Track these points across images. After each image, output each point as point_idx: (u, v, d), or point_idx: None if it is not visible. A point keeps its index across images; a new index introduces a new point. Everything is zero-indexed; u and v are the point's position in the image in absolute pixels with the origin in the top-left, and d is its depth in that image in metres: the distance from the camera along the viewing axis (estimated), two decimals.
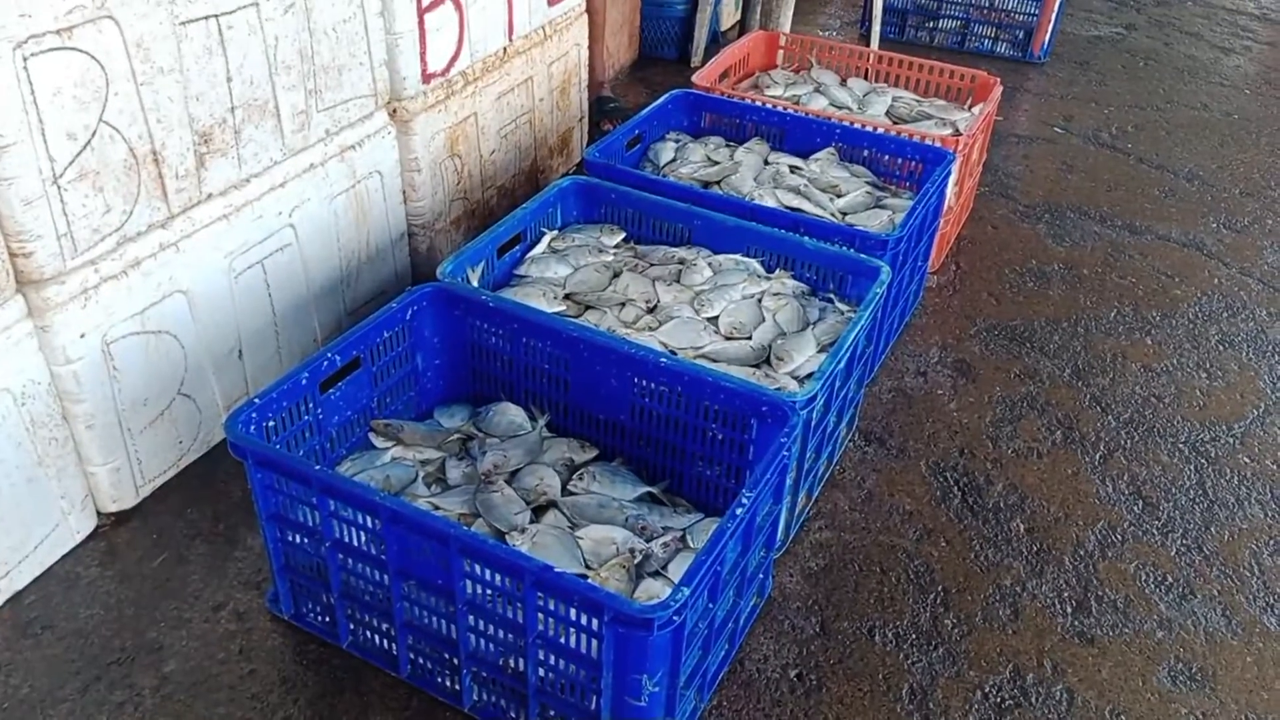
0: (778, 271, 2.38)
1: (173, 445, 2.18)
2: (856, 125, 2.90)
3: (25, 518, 1.93)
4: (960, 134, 3.02)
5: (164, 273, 2.03)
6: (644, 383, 1.96)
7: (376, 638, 1.80)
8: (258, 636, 1.89)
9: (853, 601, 2.03)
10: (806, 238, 2.35)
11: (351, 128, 2.45)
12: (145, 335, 2.04)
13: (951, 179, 2.90)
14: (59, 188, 1.80)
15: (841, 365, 2.01)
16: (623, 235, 2.54)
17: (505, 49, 2.93)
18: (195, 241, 2.08)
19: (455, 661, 1.69)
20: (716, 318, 2.24)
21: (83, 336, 1.91)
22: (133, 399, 2.04)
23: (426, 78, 2.63)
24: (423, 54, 2.59)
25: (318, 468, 1.64)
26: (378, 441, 2.06)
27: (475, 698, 1.74)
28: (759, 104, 2.98)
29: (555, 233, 2.50)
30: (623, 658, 1.50)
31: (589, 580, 1.75)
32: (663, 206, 2.48)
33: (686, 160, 2.87)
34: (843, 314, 2.30)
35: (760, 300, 2.30)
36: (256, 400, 1.77)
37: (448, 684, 1.76)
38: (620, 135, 2.79)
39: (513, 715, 1.71)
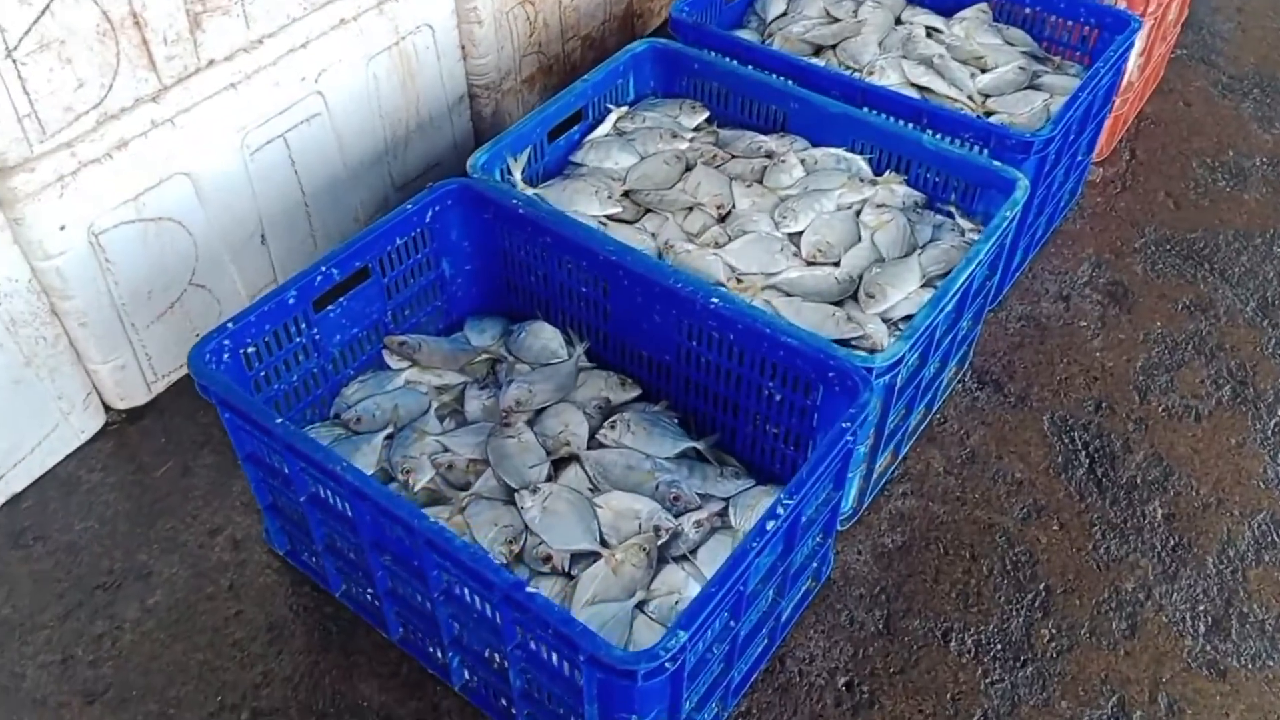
0: (887, 174, 1.93)
1: (188, 338, 1.97)
2: None
3: (16, 419, 1.78)
4: None
5: (159, 153, 1.77)
6: (691, 324, 1.61)
7: (367, 594, 1.60)
8: (250, 571, 1.72)
9: (929, 594, 1.70)
10: (927, 133, 1.88)
11: None
12: (142, 224, 1.80)
13: (1135, 50, 2.31)
14: (14, 62, 1.53)
15: (946, 311, 1.60)
16: (705, 115, 2.12)
17: None
18: (196, 116, 1.80)
19: (443, 640, 1.47)
20: (800, 234, 1.84)
21: (63, 229, 1.68)
22: (133, 292, 1.84)
23: None
24: None
25: (279, 421, 1.39)
26: (392, 361, 1.81)
27: (465, 678, 1.53)
28: None
29: (624, 110, 2.10)
30: (607, 697, 1.23)
31: (601, 557, 1.48)
32: (753, 82, 2.03)
33: (800, 16, 2.37)
34: (963, 235, 1.85)
35: (859, 213, 1.87)
36: (230, 324, 1.52)
37: (438, 656, 1.55)
38: None
39: (504, 704, 1.50)
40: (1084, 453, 1.91)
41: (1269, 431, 1.95)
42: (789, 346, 1.50)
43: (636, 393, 1.76)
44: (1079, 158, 2.24)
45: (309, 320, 1.64)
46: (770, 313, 1.54)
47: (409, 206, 1.73)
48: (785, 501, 1.28)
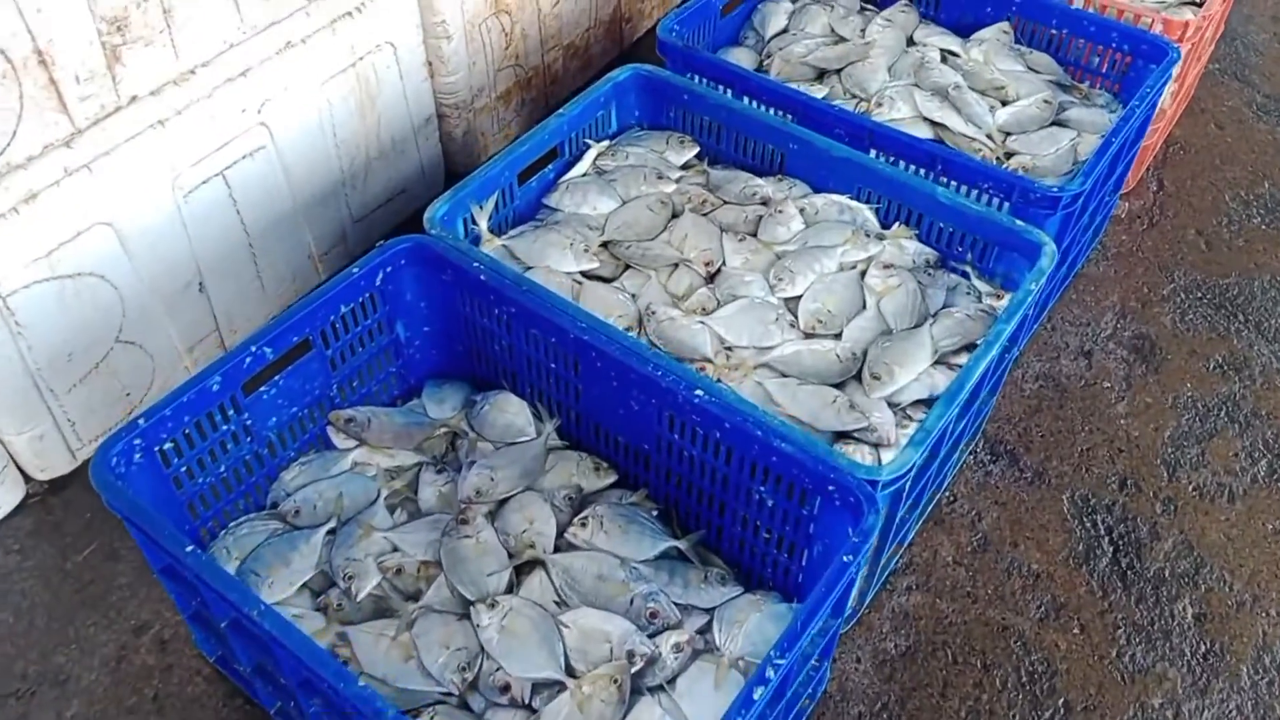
0: (896, 227, 1.73)
1: (117, 399, 1.78)
2: None
3: None
4: (1198, 6, 2.17)
5: (74, 203, 1.56)
6: (672, 415, 1.42)
7: None
8: (177, 679, 1.54)
9: (936, 711, 1.52)
10: (941, 186, 1.67)
11: None
12: (58, 281, 1.60)
13: (1171, 80, 2.10)
14: None
15: (960, 407, 1.41)
16: (695, 150, 1.91)
17: None
18: (117, 160, 1.59)
19: None
20: (797, 299, 1.64)
21: None
22: (50, 356, 1.64)
23: None
24: None
25: (189, 550, 1.19)
26: (337, 440, 1.61)
27: None
28: None
29: (604, 145, 1.89)
30: None
31: (567, 689, 1.30)
32: (748, 119, 1.82)
33: (803, 33, 2.15)
34: (980, 300, 1.66)
35: (864, 273, 1.67)
36: (141, 421, 1.32)
37: None
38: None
39: None
40: (1107, 539, 1.72)
41: None
42: (783, 453, 1.31)
43: (612, 479, 1.57)
44: (1107, 198, 2.04)
45: (238, 405, 1.44)
46: (762, 409, 1.35)
47: (355, 270, 1.52)
48: (776, 662, 1.10)
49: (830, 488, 1.28)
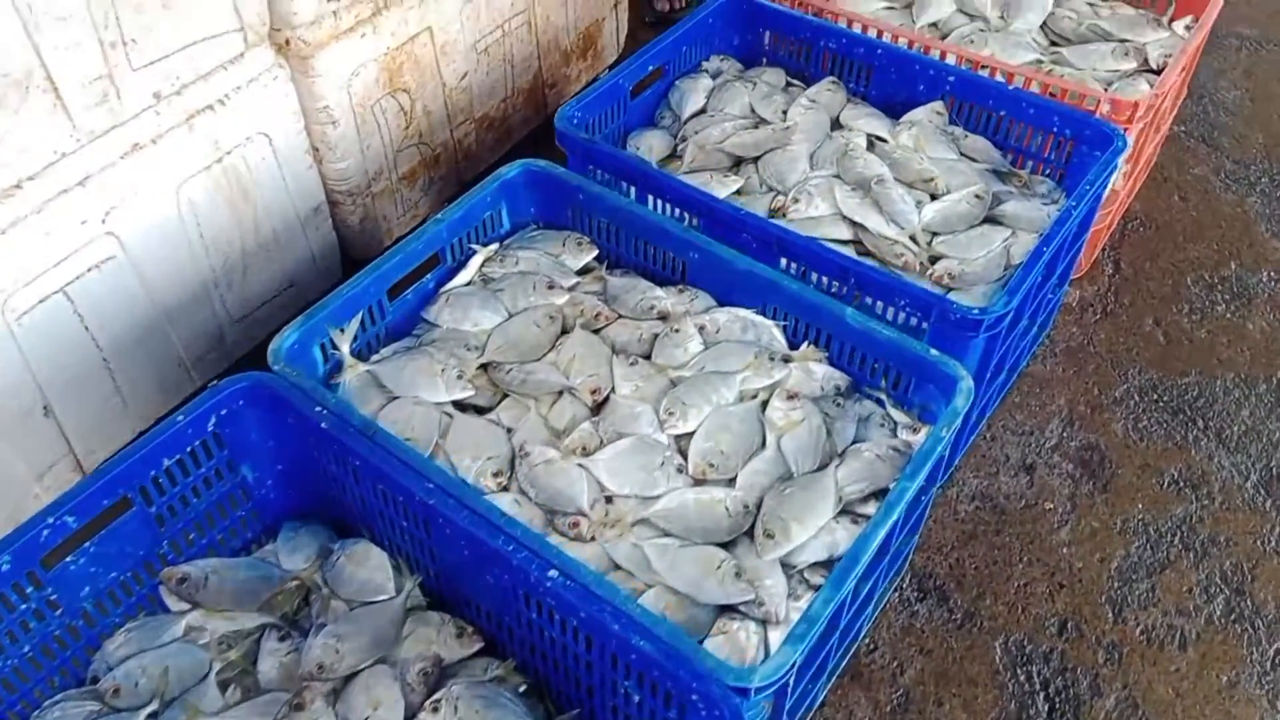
0: (805, 349, 1.56)
1: None
2: (980, 70, 1.93)
3: None
4: (1156, 73, 2.01)
5: None
6: (528, 594, 1.25)
7: None
8: None
9: None
10: (851, 308, 1.50)
11: (204, 81, 1.69)
12: None
13: (1121, 165, 1.93)
14: None
15: (856, 578, 1.24)
16: (594, 253, 1.73)
17: None
18: None
19: None
20: (690, 435, 1.46)
21: None
22: None
23: None
24: None
25: None
26: (170, 602, 1.44)
27: None
28: (838, 24, 2.03)
29: (491, 250, 1.72)
30: None
31: None
32: (647, 224, 1.65)
33: (721, 114, 1.98)
34: (895, 434, 1.48)
35: (766, 403, 1.50)
36: None
37: None
38: (624, 75, 1.93)
39: None
40: (1042, 695, 1.55)
41: (1268, 663, 1.59)
42: (642, 651, 1.13)
43: (477, 646, 1.39)
44: (1049, 295, 1.86)
45: (38, 579, 1.27)
46: (625, 594, 1.17)
47: (180, 418, 1.35)
48: None
49: (694, 696, 1.11)
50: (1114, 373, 1.98)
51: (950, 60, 1.95)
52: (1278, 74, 2.70)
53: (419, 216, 2.24)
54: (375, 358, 1.57)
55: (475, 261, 1.70)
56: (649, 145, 1.95)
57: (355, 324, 1.54)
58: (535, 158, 1.71)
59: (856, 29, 2.03)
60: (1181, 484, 1.81)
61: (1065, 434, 1.87)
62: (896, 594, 1.65)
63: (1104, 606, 1.65)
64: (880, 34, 2.01)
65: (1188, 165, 2.42)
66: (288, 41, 1.80)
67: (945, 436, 1.33)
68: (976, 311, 1.46)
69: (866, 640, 1.60)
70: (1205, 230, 2.27)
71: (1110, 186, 2.01)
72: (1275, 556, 1.71)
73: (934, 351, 1.43)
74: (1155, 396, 1.94)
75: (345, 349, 1.53)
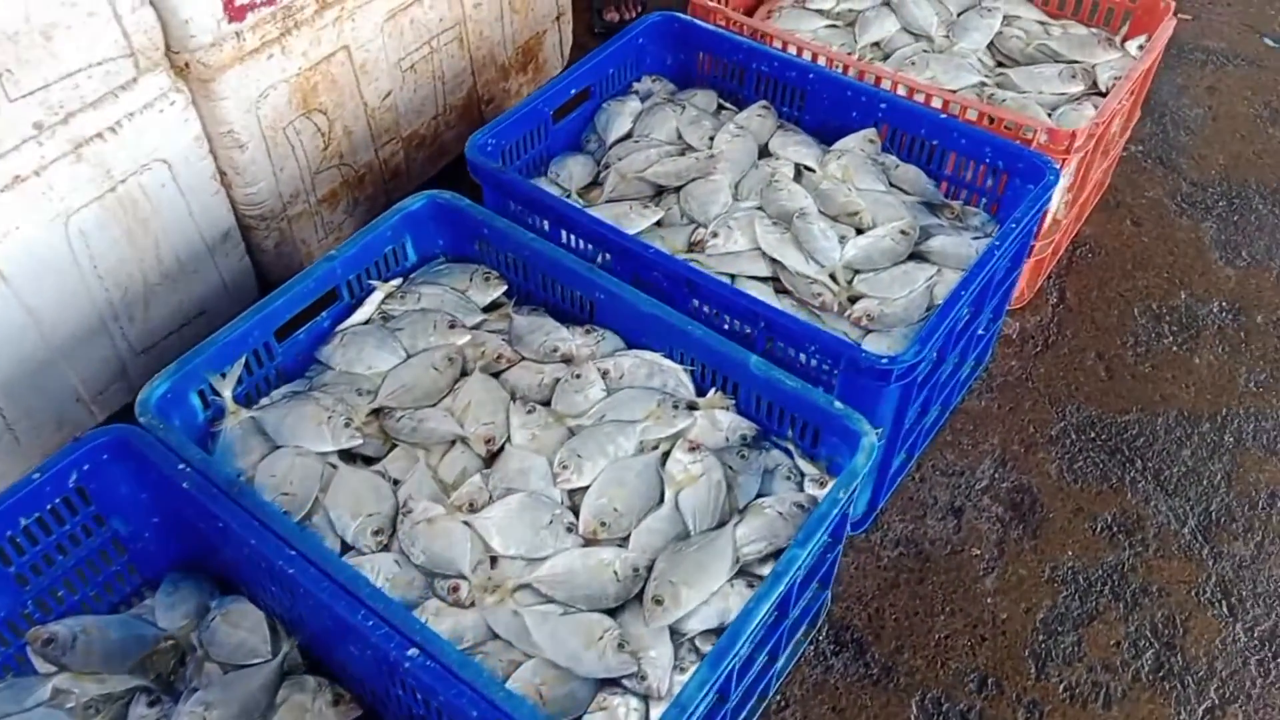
0: (711, 395, 1.49)
1: None
2: (916, 96, 1.85)
3: None
4: (1104, 96, 1.93)
5: None
6: (391, 673, 1.18)
7: None
8: None
9: None
10: (755, 357, 1.43)
11: (93, 109, 1.61)
12: None
13: (1058, 194, 1.86)
14: None
15: (738, 658, 1.17)
16: (502, 288, 1.67)
17: None
18: None
19: None
20: (585, 489, 1.39)
21: None
22: None
23: (236, 11, 1.73)
24: None
25: None
26: (39, 663, 1.37)
27: None
28: (771, 47, 1.95)
29: (393, 286, 1.65)
30: None
31: None
32: (554, 262, 1.58)
33: (647, 139, 1.91)
34: (802, 487, 1.42)
35: (668, 454, 1.43)
36: None
37: None
38: (545, 99, 1.85)
39: None
40: None
41: None
42: None
43: (355, 715, 1.33)
44: (980, 331, 1.79)
45: None
46: (488, 674, 1.11)
47: (37, 475, 1.29)
48: None
49: None
50: (1051, 409, 1.91)
51: (885, 85, 1.88)
52: (1242, 91, 2.62)
53: (342, 239, 2.15)
54: (262, 403, 1.51)
55: (374, 298, 1.63)
56: (570, 172, 1.88)
57: (237, 369, 1.47)
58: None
59: (792, 51, 1.95)
60: (1115, 529, 1.74)
61: (997, 475, 1.81)
62: (812, 646, 1.59)
63: (1027, 661, 1.58)
64: (815, 57, 1.93)
65: (1142, 188, 2.35)
66: (187, 65, 1.72)
67: (842, 499, 1.27)
68: (885, 360, 1.39)
69: (777, 697, 1.53)
70: (1156, 257, 2.19)
71: (1051, 215, 1.94)
72: (1209, 608, 1.65)
73: (838, 404, 1.36)
74: (1093, 435, 1.87)
75: (227, 395, 1.46)
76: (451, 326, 1.59)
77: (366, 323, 1.61)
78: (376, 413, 1.50)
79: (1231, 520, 1.75)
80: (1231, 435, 1.87)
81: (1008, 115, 1.79)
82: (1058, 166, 1.73)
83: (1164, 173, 2.39)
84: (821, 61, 1.93)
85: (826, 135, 1.91)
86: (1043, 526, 1.74)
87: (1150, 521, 1.75)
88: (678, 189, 1.81)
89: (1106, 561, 1.70)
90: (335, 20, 1.90)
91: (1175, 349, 2.02)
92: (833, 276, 1.64)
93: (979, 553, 1.70)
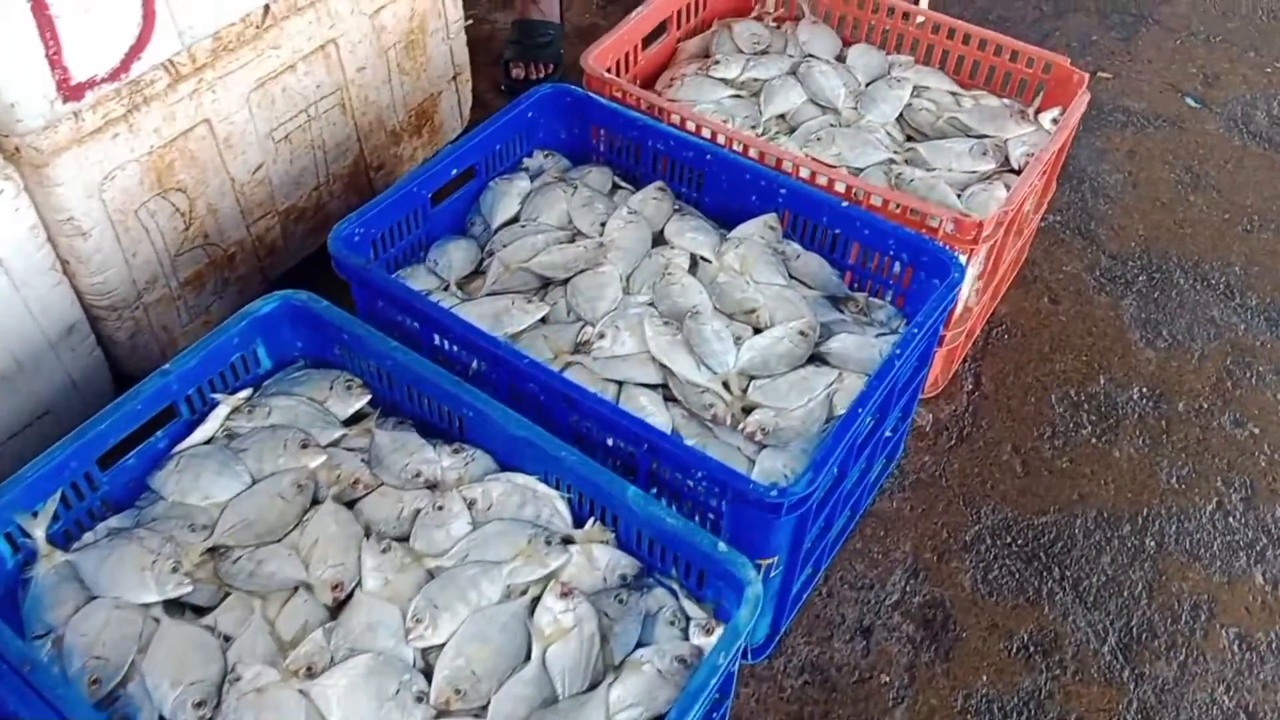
0: (590, 527, 1.35)
1: None
2: (817, 180, 1.74)
3: None
4: (1017, 173, 1.84)
5: None
6: None
7: None
8: None
9: None
10: (632, 489, 1.29)
11: None
12: None
13: (969, 282, 1.76)
14: None
15: None
16: (366, 398, 1.51)
17: (267, 9, 1.81)
18: None
19: None
20: (441, 647, 1.24)
21: None
22: None
23: (73, 90, 1.56)
24: (54, 54, 1.52)
25: None
26: None
27: None
28: (668, 124, 1.82)
29: (240, 399, 1.48)
30: None
31: None
32: (415, 374, 1.43)
33: (535, 224, 1.77)
34: (687, 635, 1.28)
35: (535, 601, 1.29)
36: None
37: None
38: (421, 181, 1.71)
39: None
40: None
41: None
42: None
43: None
44: (888, 434, 1.68)
45: None
46: None
47: None
48: None
49: None
50: (966, 510, 1.80)
51: (787, 166, 1.76)
52: (1163, 155, 2.56)
53: (210, 322, 1.99)
54: (84, 540, 1.34)
55: (217, 414, 1.46)
56: (450, 260, 1.73)
57: (51, 505, 1.30)
58: None
59: (692, 126, 1.83)
60: (1032, 649, 1.63)
61: (909, 587, 1.69)
62: None
63: None
64: (714, 135, 1.81)
65: (1060, 261, 2.26)
66: (17, 149, 1.54)
67: (722, 664, 1.13)
68: (775, 494, 1.27)
69: None
70: (1074, 338, 2.10)
71: (962, 304, 1.84)
72: None
73: (722, 547, 1.23)
74: (1009, 539, 1.77)
75: (39, 536, 1.29)
76: (304, 446, 1.43)
77: (208, 442, 1.45)
78: (213, 551, 1.33)
79: (1153, 637, 1.65)
80: (1153, 539, 1.78)
81: (913, 202, 1.69)
82: (963, 262, 1.63)
83: (1082, 245, 2.31)
84: (721, 140, 1.81)
85: (727, 218, 1.79)
86: (956, 647, 1.62)
87: (1069, 640, 1.65)
88: (565, 281, 1.67)
89: (1023, 687, 1.59)
90: (192, 93, 1.74)
91: (1094, 440, 1.92)
92: (726, 384, 1.51)
93: (888, 679, 1.58)
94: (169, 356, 1.89)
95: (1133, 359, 2.07)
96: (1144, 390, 2.02)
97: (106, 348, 1.84)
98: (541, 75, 2.66)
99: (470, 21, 2.83)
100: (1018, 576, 1.72)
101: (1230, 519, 1.82)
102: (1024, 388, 2.01)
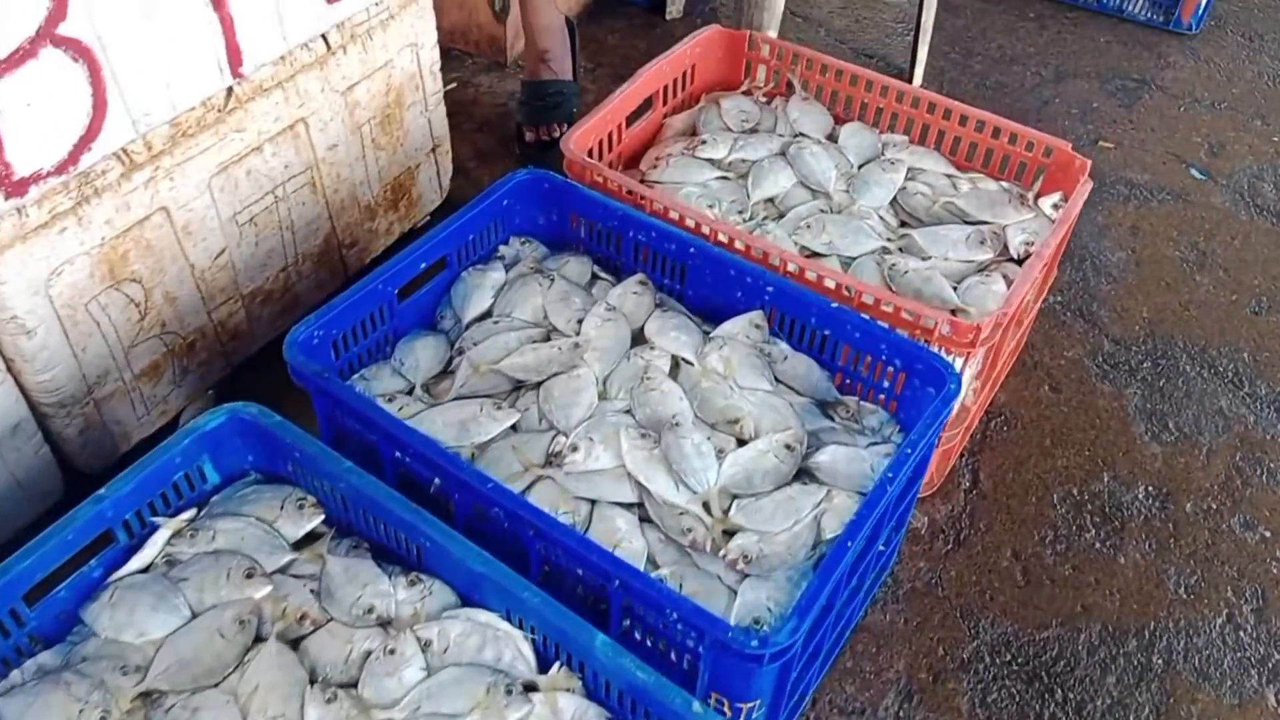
0: (555, 672, 1.25)
1: None
2: (804, 279, 1.65)
3: None
4: (1018, 263, 1.75)
5: None
6: None
7: None
8: None
9: None
10: (601, 636, 1.19)
11: None
12: None
13: (966, 381, 1.67)
14: None
15: None
16: (319, 518, 1.41)
17: (230, 92, 1.73)
18: None
19: None
20: None
21: None
22: None
23: (15, 186, 1.48)
24: None
25: None
26: None
27: None
28: (649, 215, 1.74)
29: (183, 521, 1.39)
30: None
31: None
32: (369, 499, 1.33)
33: (508, 320, 1.68)
34: None
35: None
36: None
37: None
38: (386, 277, 1.62)
39: None
40: None
41: None
42: None
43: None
44: (881, 547, 1.58)
45: None
46: None
47: None
48: None
49: None
50: (964, 624, 1.70)
51: (775, 259, 1.67)
52: (1167, 230, 2.48)
53: (168, 413, 1.90)
54: (9, 681, 1.23)
55: (157, 539, 1.36)
56: (417, 360, 1.64)
57: None
58: None
59: (674, 215, 1.74)
60: None
61: (902, 712, 1.58)
62: None
63: None
64: (697, 226, 1.72)
65: (1062, 346, 2.17)
66: None
67: None
68: (755, 644, 1.16)
69: None
70: (1076, 431, 2.01)
71: (959, 403, 1.75)
72: None
73: (697, 707, 1.12)
74: (1009, 657, 1.66)
75: None
76: (249, 576, 1.33)
77: (146, 570, 1.35)
78: (146, 696, 1.23)
79: None
80: (1160, 656, 1.68)
81: (907, 303, 1.59)
82: (959, 366, 1.54)
83: (1084, 328, 2.22)
84: (706, 229, 1.72)
85: (712, 312, 1.71)
86: None
87: None
88: (539, 384, 1.58)
89: None
90: (148, 182, 1.65)
91: (1098, 545, 1.82)
92: (706, 505, 1.42)
93: None
94: (123, 452, 1.84)
95: (1137, 454, 1.98)
96: (1149, 489, 1.92)
97: (56, 445, 1.75)
98: (557, 136, 2.56)
99: (454, 85, 2.77)
100: (1018, 700, 1.61)
101: (1241, 633, 1.72)
102: (1024, 485, 1.91)
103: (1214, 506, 1.89)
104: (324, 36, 1.87)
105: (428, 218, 2.37)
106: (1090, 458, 1.96)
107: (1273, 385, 2.12)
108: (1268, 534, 1.86)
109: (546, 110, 2.54)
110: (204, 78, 1.67)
